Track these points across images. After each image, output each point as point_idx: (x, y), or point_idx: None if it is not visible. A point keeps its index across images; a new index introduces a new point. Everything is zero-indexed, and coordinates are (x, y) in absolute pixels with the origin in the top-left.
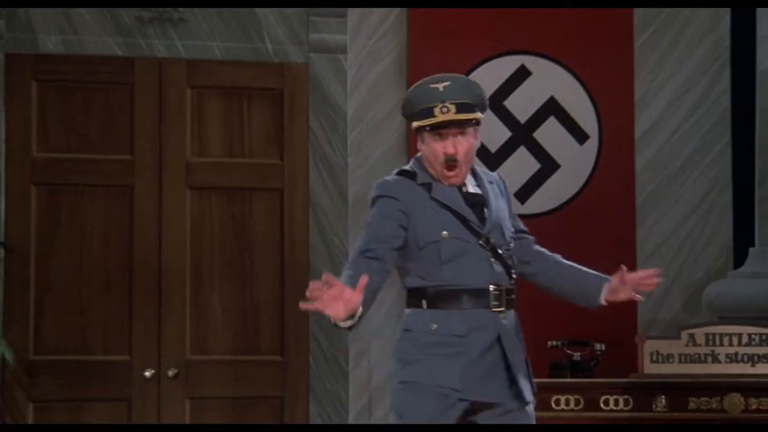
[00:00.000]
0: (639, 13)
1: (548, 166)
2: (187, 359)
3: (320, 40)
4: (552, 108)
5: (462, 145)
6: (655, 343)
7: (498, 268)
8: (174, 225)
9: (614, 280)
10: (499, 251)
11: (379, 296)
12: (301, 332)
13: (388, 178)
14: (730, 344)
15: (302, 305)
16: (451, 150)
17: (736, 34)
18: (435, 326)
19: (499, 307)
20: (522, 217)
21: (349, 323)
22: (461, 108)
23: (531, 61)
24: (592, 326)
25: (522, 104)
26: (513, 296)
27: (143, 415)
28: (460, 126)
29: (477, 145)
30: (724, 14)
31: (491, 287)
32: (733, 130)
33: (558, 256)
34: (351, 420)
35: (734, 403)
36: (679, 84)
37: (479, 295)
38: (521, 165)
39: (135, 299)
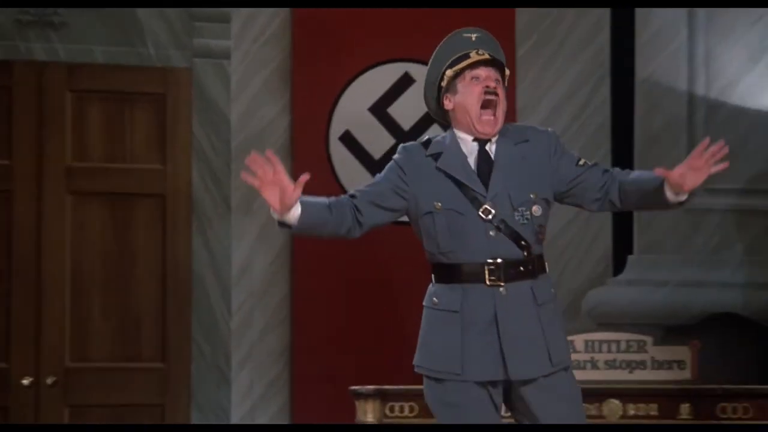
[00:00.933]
0: (520, 24)
1: None
2: (66, 366)
3: (204, 44)
4: None
5: (500, 86)
6: None
7: (500, 239)
8: (54, 231)
9: (671, 178)
10: (505, 221)
11: (259, 304)
12: (183, 339)
13: (407, 144)
14: (609, 351)
15: (243, 176)
16: (491, 84)
17: (616, 44)
18: (436, 300)
19: (499, 281)
20: (406, 224)
21: (276, 217)
22: (493, 56)
23: (415, 69)
24: None
25: (406, 111)
26: (522, 268)
27: (21, 423)
28: (496, 69)
29: (505, 107)
30: (604, 24)
31: (488, 260)
32: (612, 140)
33: (622, 177)
34: None
35: (612, 408)
36: (560, 94)
37: (475, 269)
38: None
39: (13, 306)
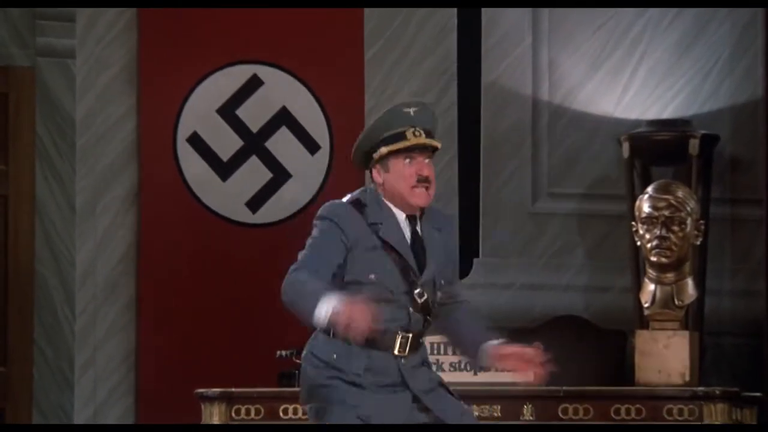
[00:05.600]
0: (369, 27)
1: (280, 175)
2: None
3: (47, 44)
4: (284, 118)
5: (431, 170)
6: None
7: (415, 316)
8: None
9: (492, 356)
10: (427, 302)
11: (103, 307)
12: (26, 342)
13: (339, 202)
14: (454, 353)
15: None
16: (425, 172)
17: (463, 49)
18: (335, 356)
19: (403, 351)
20: (255, 227)
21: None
22: (429, 135)
23: (263, 71)
24: None
25: (254, 113)
26: (421, 339)
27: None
28: (430, 152)
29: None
30: (451, 29)
31: (400, 333)
32: (459, 143)
33: (465, 314)
34: None
35: None
36: (407, 96)
37: (385, 339)
38: (253, 174)
39: None
